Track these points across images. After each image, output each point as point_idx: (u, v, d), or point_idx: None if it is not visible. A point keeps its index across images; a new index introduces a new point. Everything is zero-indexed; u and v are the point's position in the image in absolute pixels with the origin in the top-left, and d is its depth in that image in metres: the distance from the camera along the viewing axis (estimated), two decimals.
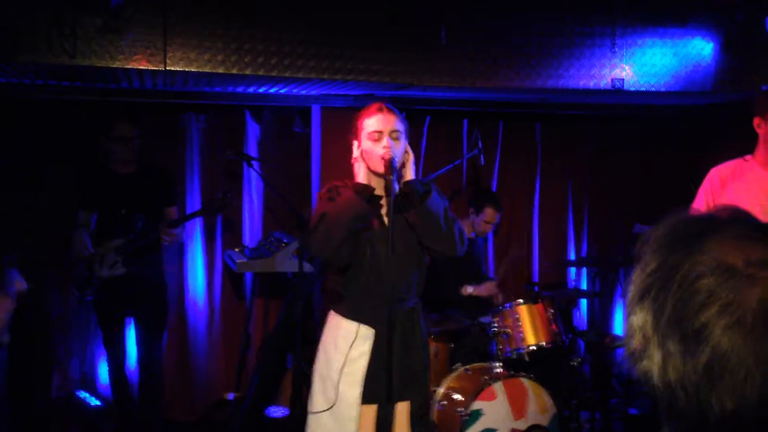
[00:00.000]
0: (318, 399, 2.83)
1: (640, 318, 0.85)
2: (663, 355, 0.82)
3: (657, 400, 0.85)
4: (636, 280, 0.88)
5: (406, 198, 2.74)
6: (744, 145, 3.37)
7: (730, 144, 5.10)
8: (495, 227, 5.00)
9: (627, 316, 0.89)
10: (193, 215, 4.32)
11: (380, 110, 2.83)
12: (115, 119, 4.22)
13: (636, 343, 0.86)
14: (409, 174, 2.81)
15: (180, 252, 4.94)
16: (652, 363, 0.84)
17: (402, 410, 2.80)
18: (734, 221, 0.86)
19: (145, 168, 4.35)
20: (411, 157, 2.85)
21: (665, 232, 0.89)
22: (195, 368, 5.03)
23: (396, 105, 4.96)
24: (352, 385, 2.76)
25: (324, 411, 2.79)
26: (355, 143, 2.87)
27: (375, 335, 2.77)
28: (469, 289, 4.65)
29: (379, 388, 2.67)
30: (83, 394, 4.62)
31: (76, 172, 4.43)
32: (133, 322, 4.38)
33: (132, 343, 4.47)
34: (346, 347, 2.79)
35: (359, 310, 2.83)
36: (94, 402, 4.55)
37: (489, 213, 4.76)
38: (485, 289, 4.67)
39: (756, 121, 3.22)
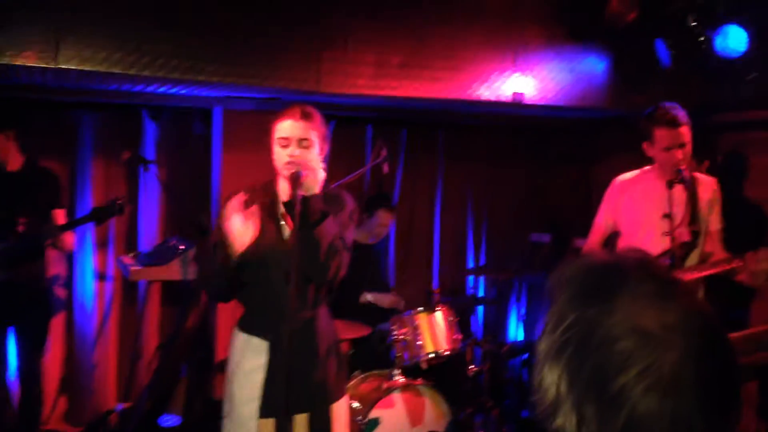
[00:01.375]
0: (225, 406, 2.81)
1: (554, 374, 0.85)
2: (578, 417, 0.82)
3: None
4: (550, 331, 0.88)
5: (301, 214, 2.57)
6: (634, 157, 3.54)
7: (621, 156, 5.37)
8: (393, 224, 5.01)
9: (539, 368, 0.88)
10: (81, 221, 4.08)
11: (292, 115, 2.68)
12: None
13: (550, 398, 0.86)
14: (313, 188, 2.62)
15: (69, 257, 4.70)
16: (566, 423, 0.84)
17: (301, 423, 2.76)
18: (644, 273, 0.87)
19: (29, 167, 4.10)
20: (318, 171, 2.66)
21: (578, 278, 0.90)
22: (83, 379, 4.80)
23: None
24: (249, 400, 2.70)
25: (225, 418, 2.78)
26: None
27: (269, 347, 2.71)
28: (368, 297, 4.64)
29: (276, 401, 2.62)
30: None
31: None
32: (12, 331, 4.12)
33: (12, 353, 4.22)
34: (242, 360, 2.75)
35: (254, 322, 2.77)
36: None
37: (382, 215, 4.77)
38: (386, 300, 4.67)
39: (644, 145, 3.40)
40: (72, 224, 4.09)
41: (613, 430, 0.80)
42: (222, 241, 2.62)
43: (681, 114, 3.30)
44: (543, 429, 0.86)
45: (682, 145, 3.28)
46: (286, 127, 2.67)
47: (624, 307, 0.84)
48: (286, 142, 2.66)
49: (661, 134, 3.30)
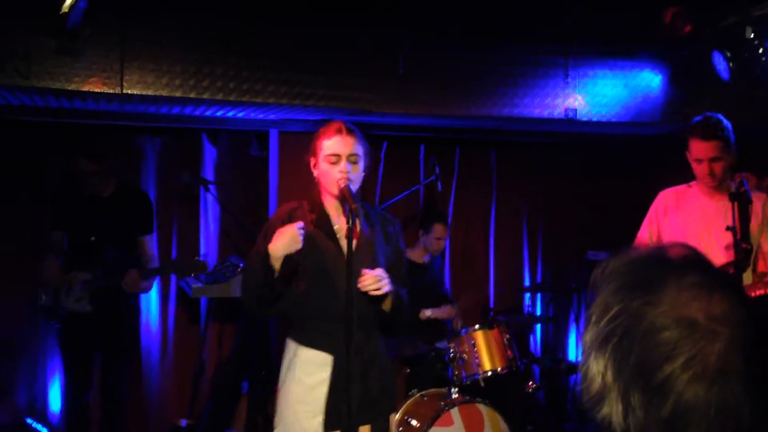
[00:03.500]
0: (280, 421, 2.80)
1: (600, 364, 0.86)
2: (624, 405, 0.84)
3: None
4: (595, 322, 0.89)
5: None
6: (685, 173, 3.47)
7: (673, 172, 5.26)
8: (448, 242, 5.04)
9: (585, 358, 0.89)
10: (161, 272, 4.21)
11: (339, 132, 2.72)
12: (76, 156, 4.01)
13: (596, 387, 0.87)
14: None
15: None
16: (612, 412, 0.85)
17: None
18: (689, 265, 0.88)
19: (121, 190, 4.14)
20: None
21: (623, 270, 0.91)
22: (148, 395, 4.92)
23: None
24: (314, 414, 2.71)
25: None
26: (312, 162, 2.80)
27: (333, 361, 2.73)
28: (427, 312, 4.66)
29: (340, 414, 2.64)
30: (32, 422, 4.48)
31: (46, 191, 4.32)
32: (99, 354, 4.16)
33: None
34: (303, 375, 2.75)
35: (318, 337, 2.76)
36: (44, 430, 4.42)
37: (438, 229, 4.81)
38: (444, 312, 4.70)
39: (687, 155, 3.31)
40: (153, 272, 4.14)
41: (660, 417, 0.81)
42: (266, 251, 2.64)
43: (719, 127, 3.18)
44: (591, 418, 0.87)
45: (712, 159, 3.17)
46: (335, 144, 2.71)
47: (670, 297, 0.85)
48: (336, 159, 2.70)
49: (694, 145, 3.21)
